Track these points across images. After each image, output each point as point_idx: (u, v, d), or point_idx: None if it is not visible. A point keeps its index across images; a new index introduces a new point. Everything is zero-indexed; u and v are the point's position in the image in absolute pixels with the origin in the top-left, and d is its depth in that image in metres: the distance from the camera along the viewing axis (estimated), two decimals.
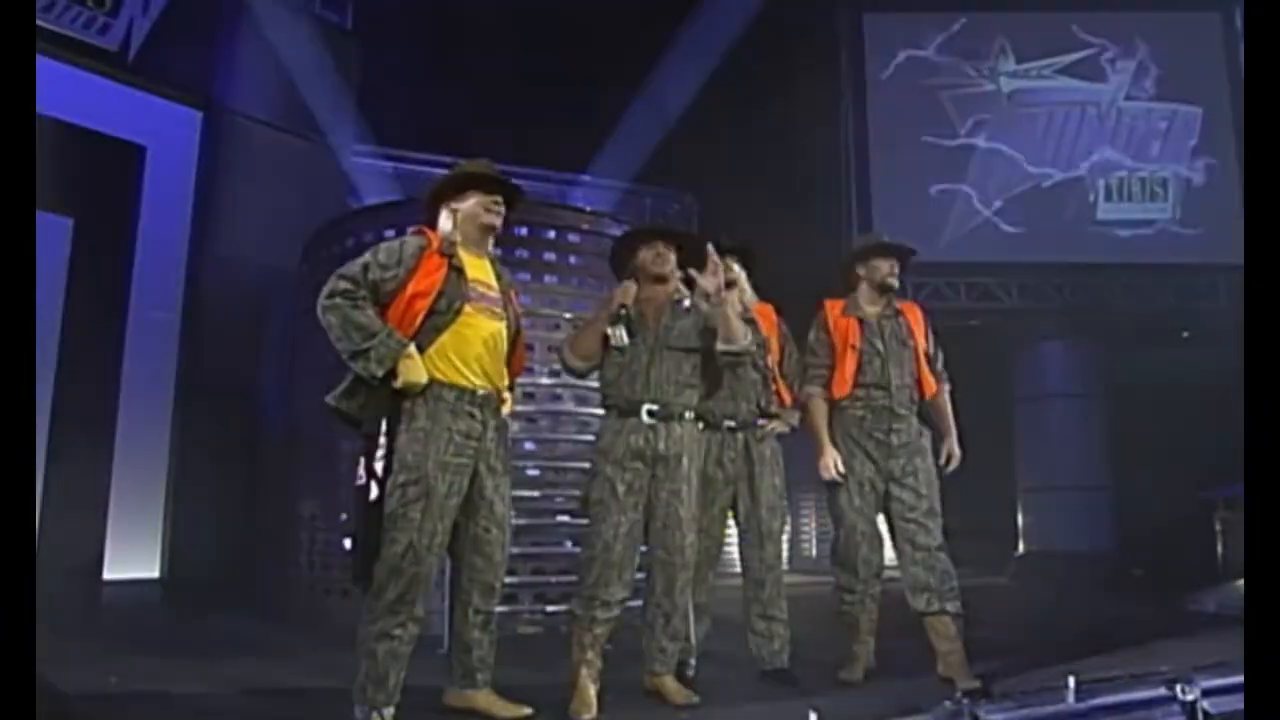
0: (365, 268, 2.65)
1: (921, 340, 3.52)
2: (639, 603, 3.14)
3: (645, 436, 2.98)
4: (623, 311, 3.04)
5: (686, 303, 3.19)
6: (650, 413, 3.00)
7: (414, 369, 2.59)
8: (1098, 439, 9.65)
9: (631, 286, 3.07)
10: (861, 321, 3.51)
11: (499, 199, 2.86)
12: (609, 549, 2.92)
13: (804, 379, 3.58)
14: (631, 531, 2.95)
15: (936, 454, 3.47)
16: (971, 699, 2.24)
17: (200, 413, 6.71)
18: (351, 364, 2.58)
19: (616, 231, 5.02)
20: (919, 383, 3.47)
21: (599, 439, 3.07)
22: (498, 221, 2.87)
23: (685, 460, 3.03)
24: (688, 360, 3.09)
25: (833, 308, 3.60)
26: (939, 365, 3.58)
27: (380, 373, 2.55)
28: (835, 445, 3.46)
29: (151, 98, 6.83)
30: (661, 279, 3.14)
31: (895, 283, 3.54)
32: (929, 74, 10.46)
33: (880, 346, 3.45)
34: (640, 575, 3.10)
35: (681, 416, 3.05)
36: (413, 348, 2.60)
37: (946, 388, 3.58)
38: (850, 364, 3.45)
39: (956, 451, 3.48)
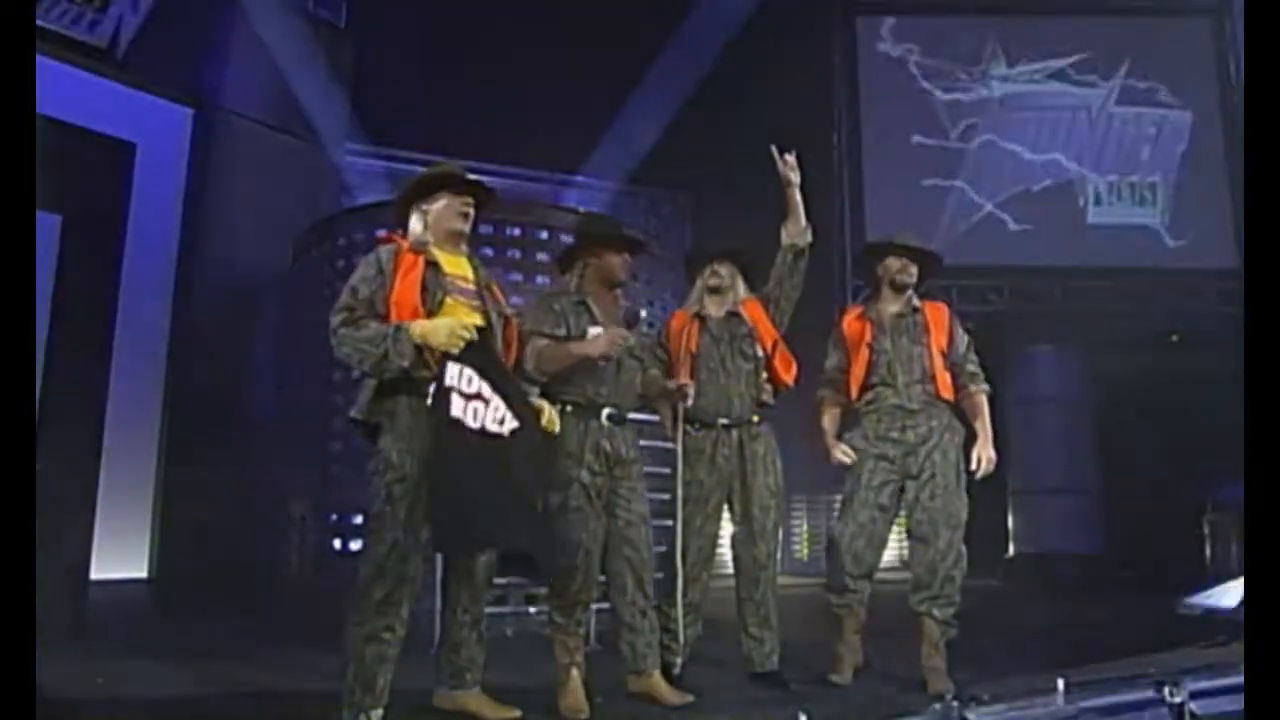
0: (353, 290, 2.64)
1: (940, 338, 3.46)
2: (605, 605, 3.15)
3: (609, 440, 3.02)
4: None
5: (644, 313, 3.27)
6: (609, 416, 3.03)
7: (434, 327, 2.55)
8: (1087, 442, 9.68)
9: (620, 339, 3.00)
10: (874, 321, 3.50)
11: (469, 200, 2.85)
12: (589, 555, 2.95)
13: (819, 381, 3.61)
14: (602, 534, 3.00)
15: (968, 456, 3.39)
16: (962, 701, 2.24)
17: (189, 412, 6.66)
18: (381, 374, 2.58)
19: None
20: (934, 380, 3.41)
21: (559, 441, 3.00)
22: (467, 224, 2.85)
23: (639, 460, 3.12)
24: (639, 369, 3.18)
25: (850, 311, 3.63)
26: (970, 368, 3.51)
27: (406, 361, 2.53)
28: (853, 447, 3.45)
29: (141, 94, 6.78)
30: (620, 284, 3.20)
31: (909, 279, 3.53)
32: (921, 77, 10.49)
33: (888, 345, 3.44)
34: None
35: (627, 420, 3.13)
36: (417, 323, 2.58)
37: (980, 389, 3.49)
38: (861, 363, 3.45)
39: (990, 454, 3.36)
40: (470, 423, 2.50)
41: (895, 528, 3.56)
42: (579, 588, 2.93)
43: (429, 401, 2.53)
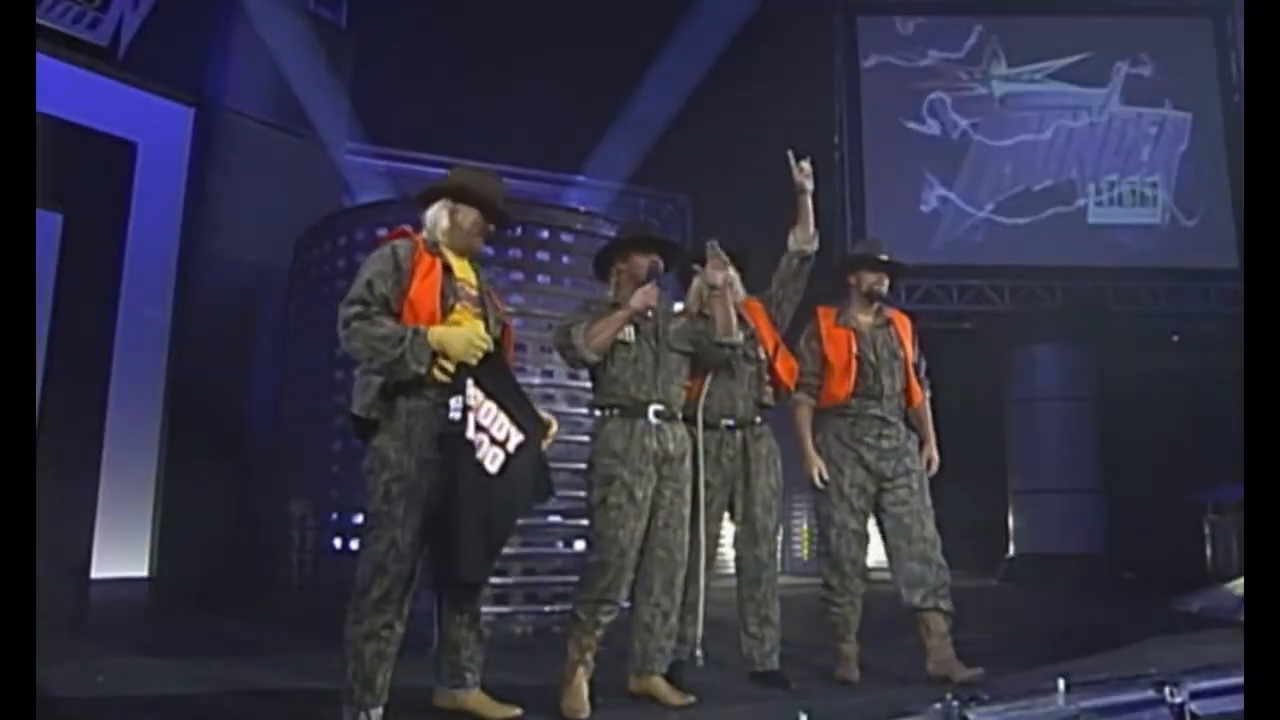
0: (368, 284, 2.61)
1: (910, 350, 3.63)
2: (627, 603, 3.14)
3: (656, 438, 3.02)
4: (649, 316, 3.08)
5: (678, 306, 3.26)
6: (656, 413, 3.03)
7: (452, 336, 2.57)
8: (1088, 442, 9.68)
9: (655, 291, 3.05)
10: (856, 331, 3.59)
11: (493, 221, 2.88)
12: (624, 555, 2.93)
13: (793, 384, 3.61)
14: (641, 535, 2.98)
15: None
16: (962, 700, 2.23)
17: (190, 411, 6.67)
18: (392, 375, 2.57)
19: (610, 232, 5.01)
20: (908, 392, 3.59)
21: (605, 441, 3.02)
22: (482, 242, 2.90)
23: (687, 459, 3.11)
24: (685, 362, 3.17)
25: (825, 315, 3.68)
26: (921, 375, 3.69)
27: (423, 368, 2.53)
28: (823, 450, 3.56)
29: (142, 93, 6.79)
30: (649, 283, 3.16)
31: (882, 290, 3.65)
32: (922, 77, 10.50)
33: (873, 357, 3.55)
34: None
35: (680, 416, 3.13)
36: (435, 329, 2.59)
37: (927, 395, 3.70)
38: (850, 374, 3.53)
39: (935, 457, 3.60)
40: (475, 448, 2.52)
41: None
42: (608, 585, 2.92)
43: (453, 416, 2.51)
